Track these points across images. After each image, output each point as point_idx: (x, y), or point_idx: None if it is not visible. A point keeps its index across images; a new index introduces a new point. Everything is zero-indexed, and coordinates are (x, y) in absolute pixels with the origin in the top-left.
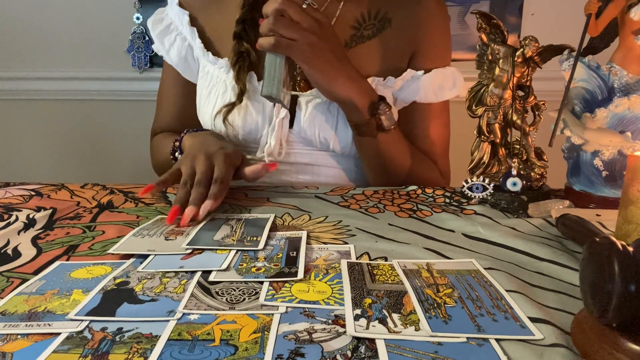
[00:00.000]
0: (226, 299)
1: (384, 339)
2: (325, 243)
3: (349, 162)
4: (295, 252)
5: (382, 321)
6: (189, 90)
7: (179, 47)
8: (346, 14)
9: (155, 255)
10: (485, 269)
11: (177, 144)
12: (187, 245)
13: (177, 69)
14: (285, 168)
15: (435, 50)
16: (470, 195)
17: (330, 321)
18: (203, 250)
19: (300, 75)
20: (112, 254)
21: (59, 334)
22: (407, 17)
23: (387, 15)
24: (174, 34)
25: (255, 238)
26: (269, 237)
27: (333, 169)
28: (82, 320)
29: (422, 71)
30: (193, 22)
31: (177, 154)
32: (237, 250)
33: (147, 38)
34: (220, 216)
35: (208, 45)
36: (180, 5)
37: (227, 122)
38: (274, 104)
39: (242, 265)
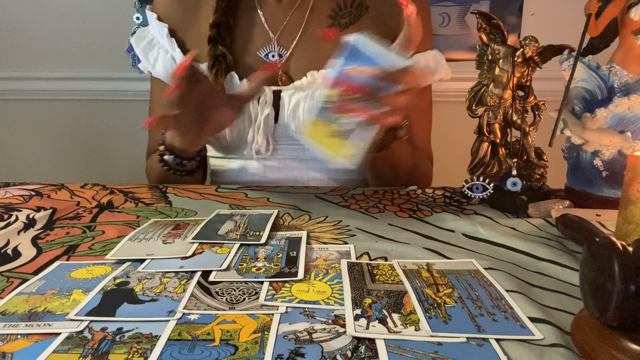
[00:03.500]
0: (226, 299)
1: (384, 339)
2: (325, 243)
3: None
4: (295, 252)
5: (382, 321)
6: None
7: (163, 59)
8: (321, 4)
9: (154, 259)
10: (485, 269)
11: (162, 148)
12: (191, 240)
13: (166, 81)
14: (274, 164)
15: None
16: (470, 195)
17: (330, 321)
18: (203, 250)
19: (281, 68)
20: None
21: (59, 334)
22: (384, 2)
23: (364, 2)
24: (156, 48)
25: (257, 233)
26: (269, 237)
27: (321, 162)
28: (82, 320)
29: None
30: (172, 33)
31: (166, 156)
32: (240, 245)
33: None
34: (225, 212)
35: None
36: (159, 19)
37: None
38: (258, 101)
39: (242, 265)
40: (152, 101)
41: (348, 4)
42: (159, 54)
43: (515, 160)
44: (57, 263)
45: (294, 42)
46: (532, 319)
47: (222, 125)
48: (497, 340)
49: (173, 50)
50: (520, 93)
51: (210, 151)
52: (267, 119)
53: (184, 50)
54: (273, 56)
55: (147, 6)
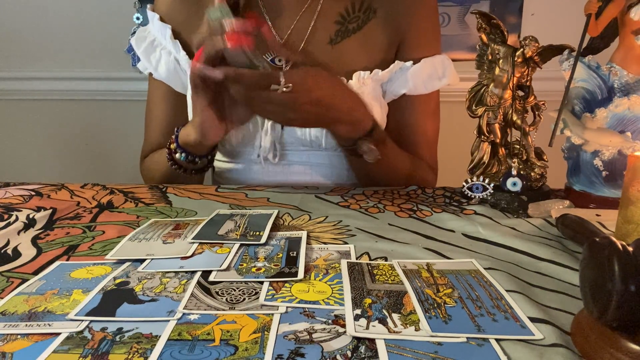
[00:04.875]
0: (226, 299)
1: (384, 339)
2: (325, 243)
3: (343, 160)
4: (295, 252)
5: (382, 321)
6: (179, 102)
7: (166, 61)
8: (329, 9)
9: (154, 259)
10: (485, 269)
11: (173, 146)
12: (192, 240)
13: (169, 83)
14: (280, 169)
15: (423, 39)
16: (470, 195)
17: (330, 321)
18: (203, 250)
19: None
20: None
21: (59, 334)
22: (393, 6)
23: (372, 6)
24: (158, 50)
25: (258, 233)
26: (269, 237)
27: (327, 167)
28: (82, 320)
29: (411, 62)
30: (176, 35)
31: (177, 154)
32: (240, 245)
33: None
34: (225, 212)
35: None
36: (162, 20)
37: None
38: None
39: (242, 265)
40: (150, 102)
41: (356, 8)
42: (162, 55)
43: (515, 160)
44: (57, 263)
45: (300, 48)
46: (532, 319)
47: (243, 120)
48: (497, 340)
49: (177, 52)
50: (520, 93)
51: (216, 155)
52: (274, 124)
53: (189, 52)
54: (280, 61)
55: (148, 5)
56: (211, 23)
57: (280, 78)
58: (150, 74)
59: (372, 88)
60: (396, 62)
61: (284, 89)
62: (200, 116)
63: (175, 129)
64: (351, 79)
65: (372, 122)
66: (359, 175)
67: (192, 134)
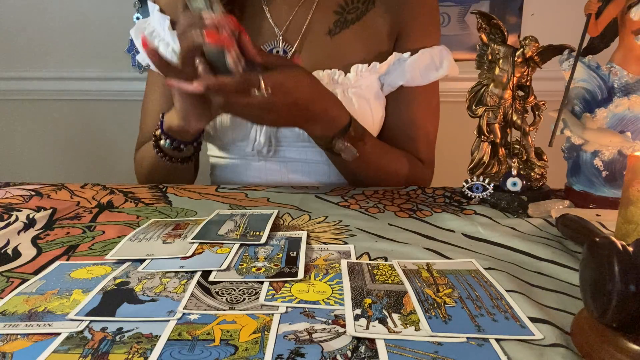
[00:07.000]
0: (226, 299)
1: (384, 339)
2: (325, 243)
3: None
4: (295, 252)
5: (382, 321)
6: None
7: (163, 52)
8: (328, 0)
9: (154, 259)
10: (485, 269)
11: (158, 132)
12: (192, 240)
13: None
14: (277, 167)
15: (422, 29)
16: (470, 195)
17: (330, 321)
18: (203, 250)
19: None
20: None
21: (59, 334)
22: None
23: None
24: (157, 41)
25: (258, 233)
26: (269, 237)
27: (324, 165)
28: (82, 320)
29: (408, 53)
30: (174, 26)
31: (162, 141)
32: (240, 245)
33: None
34: (225, 212)
35: None
36: (162, 11)
37: (215, 121)
38: None
39: (242, 265)
40: (146, 94)
41: None
42: (160, 46)
43: (515, 160)
44: (57, 263)
45: (298, 40)
46: (532, 319)
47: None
48: (497, 340)
49: (175, 43)
50: (520, 93)
51: (212, 150)
52: None
53: None
54: (277, 52)
55: None
56: (193, 13)
57: (260, 82)
58: (149, 67)
59: (370, 81)
60: (394, 53)
61: (264, 94)
62: (179, 100)
63: (161, 115)
64: (349, 72)
65: (347, 120)
66: (344, 174)
67: (175, 119)
